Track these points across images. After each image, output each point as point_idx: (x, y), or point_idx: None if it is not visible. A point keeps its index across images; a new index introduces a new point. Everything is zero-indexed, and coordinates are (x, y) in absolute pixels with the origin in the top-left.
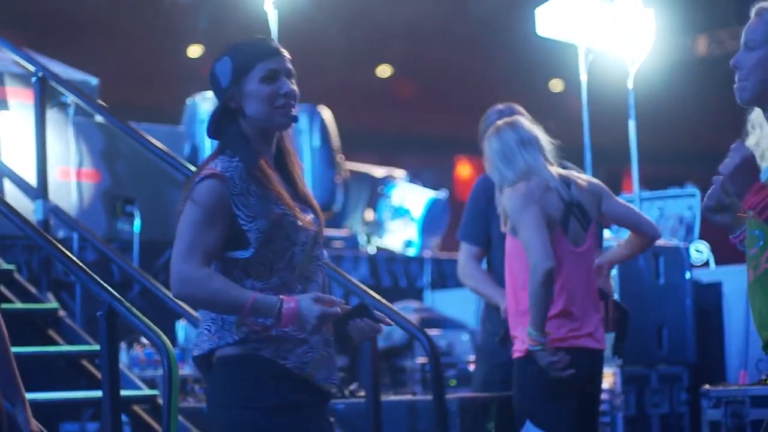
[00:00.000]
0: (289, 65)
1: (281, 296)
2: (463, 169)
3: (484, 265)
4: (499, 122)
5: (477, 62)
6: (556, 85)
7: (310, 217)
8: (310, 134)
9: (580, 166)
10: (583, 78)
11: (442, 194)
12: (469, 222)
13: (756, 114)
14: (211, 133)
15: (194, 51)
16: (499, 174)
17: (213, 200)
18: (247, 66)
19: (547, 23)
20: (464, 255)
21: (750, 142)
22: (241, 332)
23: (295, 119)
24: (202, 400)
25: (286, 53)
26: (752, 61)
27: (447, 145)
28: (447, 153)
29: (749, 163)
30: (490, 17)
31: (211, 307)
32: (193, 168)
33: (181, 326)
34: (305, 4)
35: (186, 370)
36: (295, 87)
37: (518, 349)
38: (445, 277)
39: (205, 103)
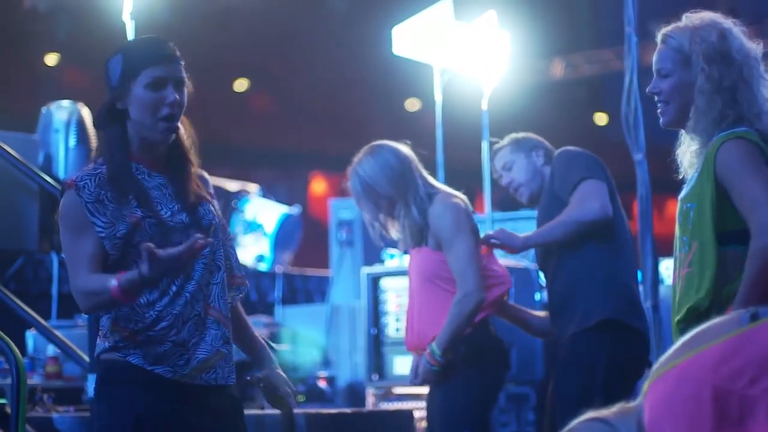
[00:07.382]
0: (179, 72)
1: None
2: (318, 185)
3: None
4: None
5: (334, 79)
6: (413, 105)
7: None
8: None
9: None
10: (438, 98)
11: (295, 210)
12: None
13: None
14: (96, 125)
15: (51, 59)
16: None
17: (71, 212)
18: (134, 70)
19: (403, 43)
20: None
21: (679, 151)
22: (113, 339)
23: (175, 130)
24: (51, 409)
25: (177, 59)
26: (668, 87)
27: (301, 160)
28: (301, 168)
29: None
30: (348, 33)
31: (101, 307)
32: (46, 177)
33: (31, 335)
34: (163, 15)
35: (35, 379)
36: (182, 96)
37: None
38: (296, 292)
39: (60, 111)
